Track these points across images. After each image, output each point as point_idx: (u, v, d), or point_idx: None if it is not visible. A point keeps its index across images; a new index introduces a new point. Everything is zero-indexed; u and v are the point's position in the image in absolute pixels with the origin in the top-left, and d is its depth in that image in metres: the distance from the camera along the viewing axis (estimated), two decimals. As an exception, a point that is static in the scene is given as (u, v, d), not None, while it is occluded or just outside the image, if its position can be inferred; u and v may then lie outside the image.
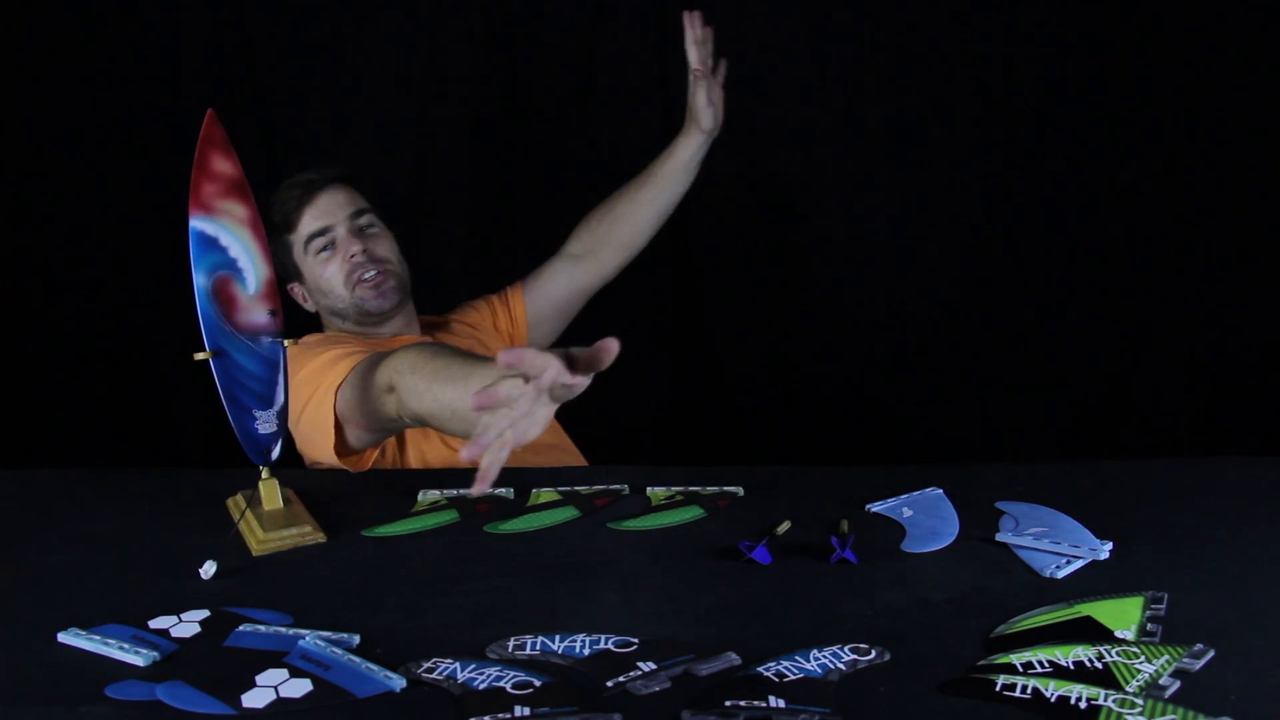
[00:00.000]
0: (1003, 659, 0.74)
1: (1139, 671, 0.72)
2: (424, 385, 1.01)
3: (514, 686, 0.72)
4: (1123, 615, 0.81)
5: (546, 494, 1.13)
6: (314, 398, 1.24)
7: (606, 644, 0.78)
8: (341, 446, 1.23)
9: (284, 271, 1.46)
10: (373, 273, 1.43)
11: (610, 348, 0.78)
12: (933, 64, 2.08)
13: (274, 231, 1.43)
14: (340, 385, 1.21)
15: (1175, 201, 2.07)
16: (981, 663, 0.74)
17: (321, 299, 1.47)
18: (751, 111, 2.12)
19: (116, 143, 2.04)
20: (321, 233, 1.44)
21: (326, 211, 1.45)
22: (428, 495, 1.14)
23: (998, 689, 0.70)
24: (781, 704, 0.69)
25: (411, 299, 1.54)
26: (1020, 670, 0.72)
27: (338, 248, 1.44)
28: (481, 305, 1.66)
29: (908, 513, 1.06)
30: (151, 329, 2.11)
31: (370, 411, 1.16)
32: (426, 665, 0.75)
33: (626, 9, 2.07)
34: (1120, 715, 0.66)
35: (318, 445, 1.26)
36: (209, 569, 0.93)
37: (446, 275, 2.03)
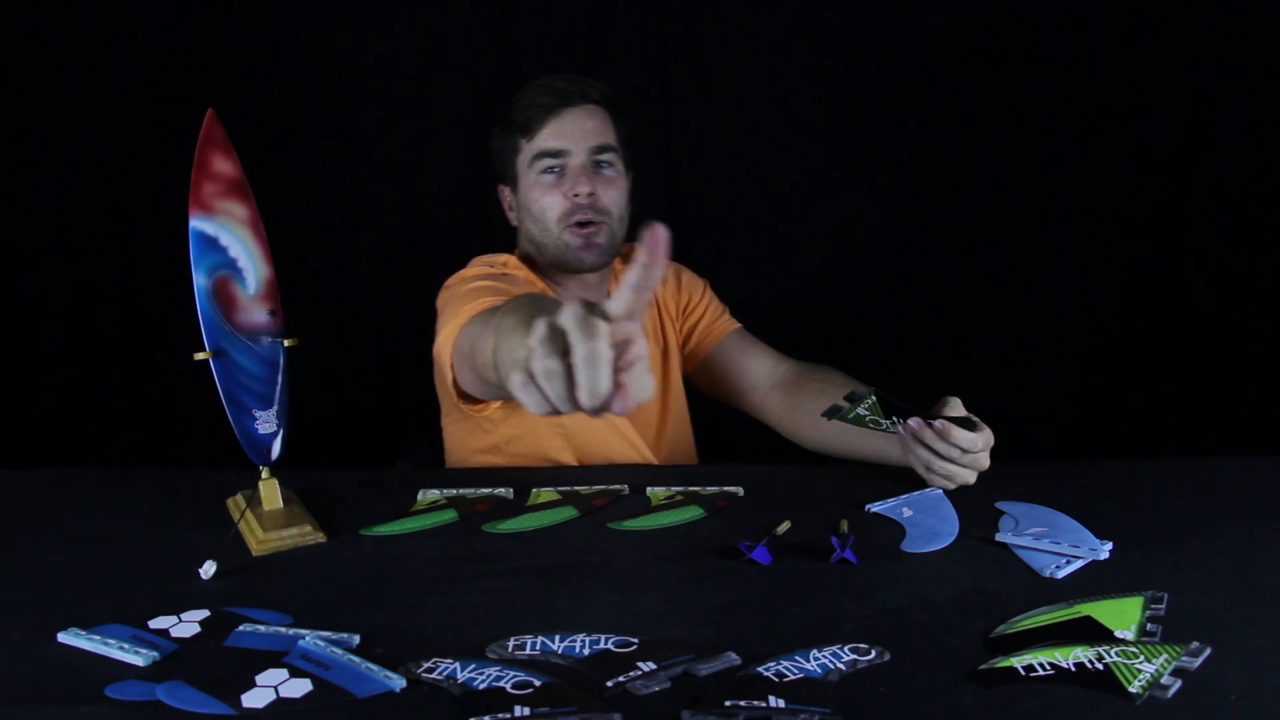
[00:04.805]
0: (1004, 663, 0.74)
1: (1140, 672, 0.71)
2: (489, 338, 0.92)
3: (514, 686, 0.71)
4: (1123, 615, 0.81)
5: (546, 494, 1.14)
6: (444, 329, 1.16)
7: (606, 644, 0.78)
8: (461, 388, 1.16)
9: (500, 169, 1.38)
10: (590, 223, 1.31)
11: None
12: (924, 68, 2.08)
13: (508, 128, 1.34)
14: (467, 323, 1.10)
15: (1176, 201, 2.07)
16: (983, 667, 0.74)
17: (526, 219, 1.36)
18: (749, 113, 2.12)
19: (117, 142, 2.05)
20: (555, 154, 1.31)
21: (570, 134, 1.30)
22: (427, 494, 1.14)
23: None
24: (781, 704, 0.68)
25: (617, 257, 1.40)
26: (1022, 674, 0.72)
27: (565, 178, 1.31)
28: (702, 296, 1.52)
29: (908, 513, 1.06)
30: (151, 329, 2.11)
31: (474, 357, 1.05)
32: (426, 665, 0.75)
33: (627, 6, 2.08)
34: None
35: (443, 379, 1.21)
36: (209, 569, 0.93)
37: (443, 268, 2.05)
